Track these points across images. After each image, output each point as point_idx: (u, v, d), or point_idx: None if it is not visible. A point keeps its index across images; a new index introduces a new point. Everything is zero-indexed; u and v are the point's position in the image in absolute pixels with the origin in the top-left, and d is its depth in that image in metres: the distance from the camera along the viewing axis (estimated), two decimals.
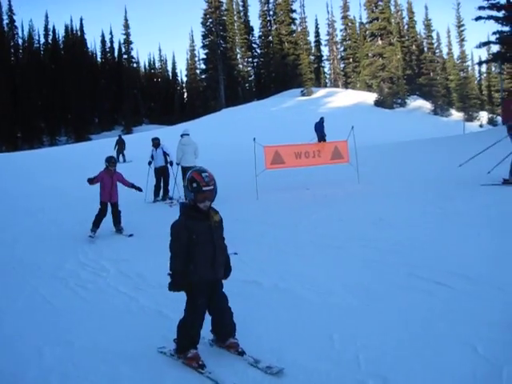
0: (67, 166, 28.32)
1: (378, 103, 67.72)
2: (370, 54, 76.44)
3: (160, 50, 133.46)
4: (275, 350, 4.60)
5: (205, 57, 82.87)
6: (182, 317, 4.56)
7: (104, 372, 4.47)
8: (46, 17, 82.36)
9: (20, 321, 6.01)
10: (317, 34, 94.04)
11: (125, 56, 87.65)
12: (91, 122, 77.94)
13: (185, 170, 14.49)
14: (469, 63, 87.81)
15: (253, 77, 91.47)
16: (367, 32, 79.03)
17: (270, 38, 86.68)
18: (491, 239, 7.77)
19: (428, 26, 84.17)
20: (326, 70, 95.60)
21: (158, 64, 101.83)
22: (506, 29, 32.10)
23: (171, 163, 15.20)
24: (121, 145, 31.71)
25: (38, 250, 9.84)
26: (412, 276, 6.36)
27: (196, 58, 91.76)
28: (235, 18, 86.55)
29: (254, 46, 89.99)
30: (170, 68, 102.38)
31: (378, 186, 14.07)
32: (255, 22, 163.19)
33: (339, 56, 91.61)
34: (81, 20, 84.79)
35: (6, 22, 75.21)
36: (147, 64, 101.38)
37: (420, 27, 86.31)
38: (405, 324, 4.97)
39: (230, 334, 4.66)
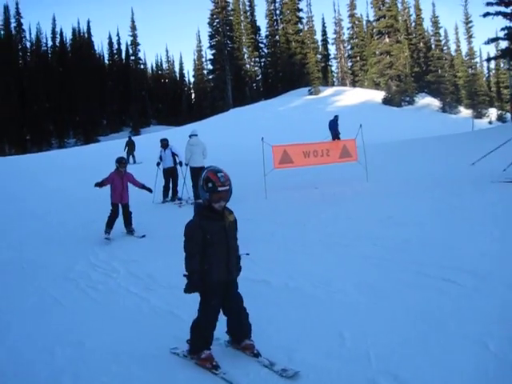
0: (75, 168, 28.40)
1: (385, 101, 67.50)
2: (377, 52, 76.14)
3: (167, 51, 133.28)
4: (285, 348, 4.61)
5: (212, 57, 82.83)
6: (196, 317, 4.53)
7: (116, 372, 4.49)
8: (54, 20, 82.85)
9: (31, 321, 6.05)
10: (324, 33, 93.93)
11: (132, 57, 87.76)
12: (99, 123, 78.05)
13: (193, 170, 14.53)
14: (477, 60, 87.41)
15: (260, 76, 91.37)
16: (374, 30, 78.80)
17: (277, 37, 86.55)
18: (501, 236, 7.72)
19: (435, 22, 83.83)
20: (333, 68, 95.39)
21: (165, 65, 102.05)
22: None
23: (180, 164, 15.22)
24: (131, 146, 31.50)
25: (48, 252, 9.89)
26: (421, 274, 6.35)
27: (203, 59, 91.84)
28: (242, 17, 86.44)
29: (261, 45, 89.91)
30: (177, 69, 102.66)
31: (387, 184, 14.04)
32: (262, 22, 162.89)
33: (346, 54, 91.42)
34: (88, 22, 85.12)
35: (13, 25, 75.56)
36: (154, 65, 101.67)
37: (427, 24, 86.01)
38: (414, 322, 4.97)
39: (246, 335, 4.63)
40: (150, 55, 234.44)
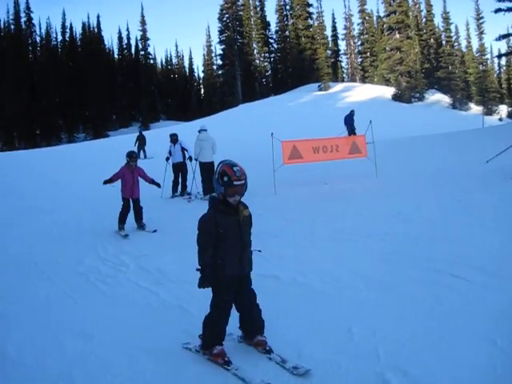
0: (85, 162, 28.49)
1: (395, 97, 67.18)
2: (387, 48, 75.68)
3: (177, 46, 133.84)
4: (294, 343, 4.63)
5: (221, 52, 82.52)
6: (208, 313, 4.52)
7: (126, 365, 4.52)
8: (64, 14, 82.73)
9: (41, 315, 6.10)
10: (334, 29, 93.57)
11: (142, 52, 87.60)
12: (109, 118, 78.10)
13: (202, 165, 14.56)
14: (488, 56, 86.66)
15: (270, 72, 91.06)
16: (385, 26, 78.23)
17: (287, 32, 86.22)
18: (511, 233, 7.72)
19: (446, 19, 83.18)
20: (343, 64, 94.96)
21: (174, 60, 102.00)
22: None
23: (190, 159, 15.23)
24: (141, 141, 31.42)
25: (58, 246, 9.94)
26: (430, 270, 6.35)
27: (213, 54, 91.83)
28: (252, 13, 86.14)
29: (271, 40, 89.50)
30: (186, 64, 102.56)
31: (396, 180, 14.00)
32: (272, 17, 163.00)
33: (356, 50, 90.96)
34: (98, 17, 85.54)
35: (23, 19, 75.61)
36: (164, 60, 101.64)
37: (438, 20, 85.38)
38: (423, 317, 4.98)
39: (258, 331, 4.62)
40: (160, 50, 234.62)
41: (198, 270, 4.37)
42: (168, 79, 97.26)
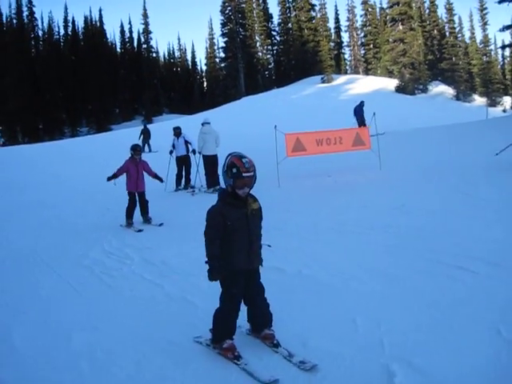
0: (89, 156, 28.49)
1: (399, 89, 66.96)
2: (390, 40, 75.33)
3: (179, 40, 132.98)
4: (299, 335, 4.64)
5: (224, 45, 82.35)
6: (218, 307, 4.49)
7: (132, 357, 4.54)
8: (66, 8, 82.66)
9: (47, 307, 6.13)
10: (337, 20, 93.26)
11: (144, 46, 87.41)
12: (112, 112, 78.10)
13: (206, 158, 14.57)
14: (492, 47, 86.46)
15: (272, 64, 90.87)
16: (388, 17, 77.90)
17: (290, 24, 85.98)
18: None
19: (450, 10, 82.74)
20: (346, 56, 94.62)
21: (177, 53, 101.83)
22: None
23: (194, 152, 15.23)
24: (146, 134, 31.22)
25: (62, 240, 9.99)
26: (435, 261, 6.35)
27: (215, 47, 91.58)
28: (254, 5, 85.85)
29: (274, 33, 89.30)
30: (189, 57, 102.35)
31: (400, 172, 13.98)
32: (274, 9, 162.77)
33: (359, 42, 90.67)
34: (100, 11, 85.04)
35: (25, 14, 75.41)
36: (166, 54, 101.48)
37: (441, 11, 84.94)
38: (428, 308, 4.99)
39: (266, 324, 4.60)
40: (162, 43, 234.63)
41: (206, 262, 4.32)
42: (170, 72, 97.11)
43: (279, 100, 57.69)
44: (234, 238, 4.28)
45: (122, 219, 10.85)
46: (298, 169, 15.67)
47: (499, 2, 31.41)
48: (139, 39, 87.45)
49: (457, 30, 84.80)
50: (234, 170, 4.15)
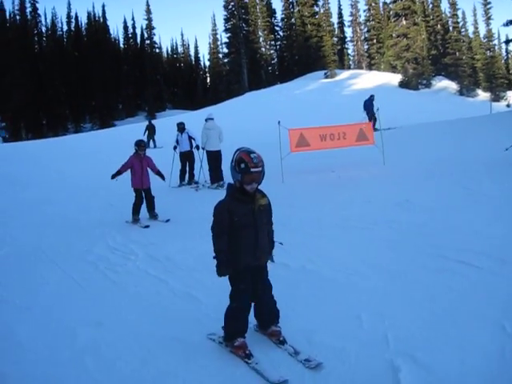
0: (92, 152, 28.50)
1: (402, 84, 66.83)
2: (394, 35, 75.10)
3: (182, 35, 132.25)
4: (304, 330, 4.65)
5: (227, 41, 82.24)
6: (228, 304, 4.46)
7: (136, 353, 4.56)
8: (69, 4, 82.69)
9: (52, 303, 6.14)
10: (340, 16, 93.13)
11: (147, 42, 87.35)
12: (115, 108, 78.24)
13: (210, 154, 14.59)
14: (495, 42, 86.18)
15: (275, 60, 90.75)
16: (391, 12, 77.55)
17: (293, 20, 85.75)
18: None
19: (453, 4, 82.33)
20: (349, 51, 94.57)
21: (180, 49, 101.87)
22: None
23: (197, 147, 15.24)
24: (151, 130, 31.15)
25: (66, 235, 9.99)
26: (438, 257, 6.36)
27: (218, 42, 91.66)
28: (257, 0, 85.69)
29: (277, 28, 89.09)
30: (192, 53, 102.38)
31: (404, 167, 13.96)
32: (277, 5, 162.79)
33: (363, 37, 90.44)
34: (103, 6, 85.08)
35: (29, 10, 75.59)
36: (170, 49, 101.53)
37: (445, 6, 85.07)
38: (432, 304, 4.99)
39: (273, 321, 4.57)
40: (165, 39, 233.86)
41: (214, 257, 4.30)
42: (174, 68, 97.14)
43: (282, 95, 57.66)
44: (240, 234, 4.24)
45: (126, 215, 10.85)
46: (301, 164, 15.65)
47: None
48: (142, 35, 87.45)
49: (460, 24, 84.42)
50: (242, 165, 4.12)
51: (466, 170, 12.21)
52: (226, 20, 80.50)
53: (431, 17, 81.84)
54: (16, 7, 74.22)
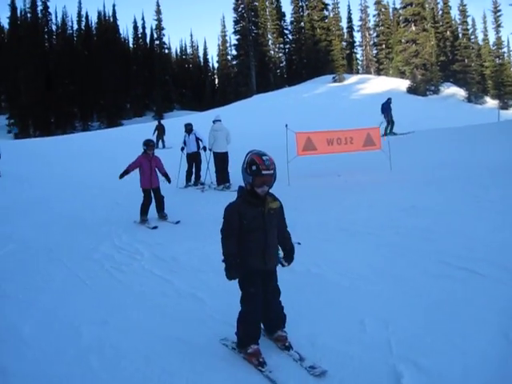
0: (99, 151, 28.59)
1: (410, 90, 66.63)
2: (403, 40, 74.89)
3: (191, 36, 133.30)
4: (307, 334, 4.67)
5: (236, 43, 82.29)
6: (240, 310, 4.42)
7: (141, 352, 4.59)
8: (79, 3, 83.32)
9: (57, 301, 6.17)
10: (349, 20, 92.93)
11: (156, 42, 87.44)
12: (123, 107, 78.36)
13: (216, 155, 14.62)
14: (505, 49, 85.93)
15: (284, 63, 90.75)
16: (401, 18, 77.38)
17: (302, 23, 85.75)
18: None
19: (463, 11, 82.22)
20: (358, 56, 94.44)
21: (189, 50, 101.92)
22: None
23: (204, 149, 15.27)
24: (160, 130, 31.18)
25: (73, 233, 10.03)
26: (443, 263, 6.36)
27: (227, 44, 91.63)
28: (267, 3, 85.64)
29: (286, 31, 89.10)
30: (201, 54, 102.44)
31: (411, 173, 13.93)
32: (287, 8, 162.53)
33: (372, 42, 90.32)
34: (113, 6, 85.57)
35: (40, 8, 75.66)
36: (179, 50, 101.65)
37: (455, 13, 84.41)
38: (436, 310, 5.00)
39: (279, 326, 4.55)
40: (175, 40, 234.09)
41: (223, 261, 4.23)
42: (182, 69, 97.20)
43: (290, 98, 57.63)
44: (249, 237, 4.20)
45: (132, 214, 10.88)
46: (308, 168, 15.66)
47: None
48: (152, 35, 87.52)
49: (470, 31, 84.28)
50: (254, 168, 4.09)
51: (473, 177, 12.17)
52: (236, 22, 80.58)
53: (441, 23, 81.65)
54: (27, 5, 74.49)
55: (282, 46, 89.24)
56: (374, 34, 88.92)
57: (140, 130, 36.04)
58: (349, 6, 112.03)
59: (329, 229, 8.79)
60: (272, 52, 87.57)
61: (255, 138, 26.24)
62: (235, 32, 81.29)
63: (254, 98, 63.99)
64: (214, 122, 15.01)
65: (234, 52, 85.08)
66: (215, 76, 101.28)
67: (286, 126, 13.75)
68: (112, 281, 6.85)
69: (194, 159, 15.49)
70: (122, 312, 5.59)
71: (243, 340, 4.35)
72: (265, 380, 4.03)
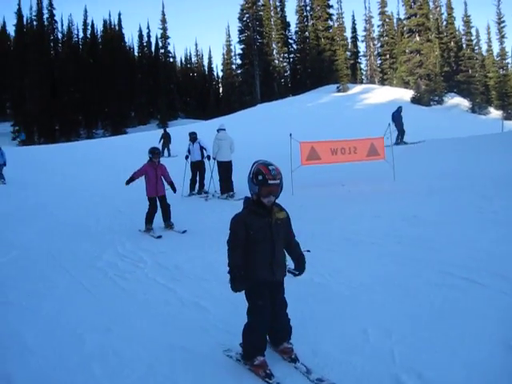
0: (103, 159, 28.65)
1: (414, 100, 66.59)
2: (407, 51, 74.96)
3: (196, 45, 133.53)
4: (310, 343, 4.67)
5: (241, 52, 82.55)
6: (247, 321, 4.36)
7: (144, 360, 4.59)
8: (85, 11, 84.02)
9: (60, 308, 6.18)
10: (354, 30, 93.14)
11: (161, 51, 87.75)
12: (127, 115, 78.62)
13: (220, 164, 14.64)
14: (509, 60, 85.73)
15: (288, 72, 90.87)
16: (405, 28, 77.46)
17: (307, 33, 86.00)
18: None
19: (467, 22, 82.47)
20: (362, 66, 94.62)
21: (194, 59, 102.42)
22: None
23: (208, 157, 15.28)
24: (166, 139, 31.17)
25: (76, 241, 10.05)
26: (446, 273, 6.35)
27: (232, 53, 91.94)
28: (272, 13, 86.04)
29: (291, 41, 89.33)
30: (206, 63, 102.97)
31: (414, 183, 13.92)
32: (292, 18, 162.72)
33: (376, 52, 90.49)
34: (119, 15, 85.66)
35: (46, 16, 76.22)
36: (183, 59, 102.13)
37: (459, 23, 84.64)
38: (439, 320, 5.00)
39: (285, 338, 4.49)
40: (180, 48, 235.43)
41: (228, 272, 4.15)
42: (187, 78, 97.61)
43: (294, 108, 57.69)
44: (256, 248, 4.16)
45: (135, 222, 10.90)
46: (312, 177, 15.66)
47: None
48: (157, 44, 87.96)
49: (474, 42, 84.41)
50: (260, 177, 4.06)
51: (477, 187, 12.15)
52: (241, 31, 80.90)
53: (445, 34, 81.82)
54: (33, 13, 75.03)
55: (286, 55, 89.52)
56: (379, 44, 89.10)
57: (144, 138, 36.14)
58: (353, 16, 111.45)
59: (332, 238, 8.79)
60: (276, 61, 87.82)
61: (259, 147, 26.25)
62: (240, 41, 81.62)
63: (258, 107, 64.11)
64: (218, 130, 15.04)
65: (239, 61, 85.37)
66: (219, 85, 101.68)
67: (291, 135, 13.76)
68: (115, 289, 6.85)
69: (197, 168, 15.52)
70: (125, 320, 5.60)
71: (249, 351, 4.29)
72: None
